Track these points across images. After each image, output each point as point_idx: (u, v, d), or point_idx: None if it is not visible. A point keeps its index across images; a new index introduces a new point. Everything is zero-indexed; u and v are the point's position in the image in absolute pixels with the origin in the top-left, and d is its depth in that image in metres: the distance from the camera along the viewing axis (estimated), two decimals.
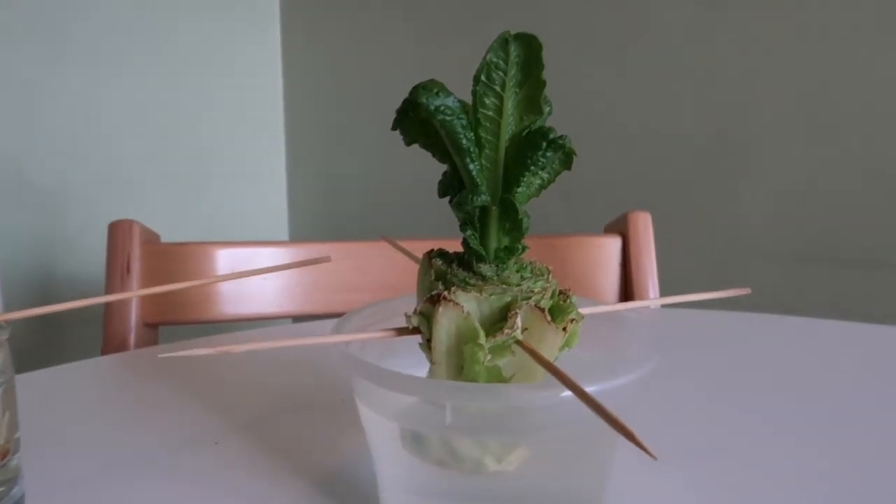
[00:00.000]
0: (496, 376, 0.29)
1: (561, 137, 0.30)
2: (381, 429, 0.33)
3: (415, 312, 0.31)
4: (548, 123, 0.32)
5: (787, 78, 1.10)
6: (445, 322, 0.29)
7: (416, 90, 0.29)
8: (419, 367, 0.32)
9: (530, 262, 0.33)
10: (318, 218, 1.81)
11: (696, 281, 1.19)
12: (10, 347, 0.35)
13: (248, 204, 1.75)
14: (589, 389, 0.26)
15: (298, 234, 1.81)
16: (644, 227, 0.84)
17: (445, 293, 0.30)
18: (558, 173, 0.32)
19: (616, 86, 1.28)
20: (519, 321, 0.29)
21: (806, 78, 1.08)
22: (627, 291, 0.83)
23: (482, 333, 0.29)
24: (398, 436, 0.32)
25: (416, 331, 0.31)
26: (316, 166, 1.79)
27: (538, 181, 0.31)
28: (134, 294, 0.61)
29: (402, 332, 0.32)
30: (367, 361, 0.30)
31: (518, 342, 0.30)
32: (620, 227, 0.85)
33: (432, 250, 0.34)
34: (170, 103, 1.56)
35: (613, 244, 0.84)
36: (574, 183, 1.28)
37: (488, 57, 0.29)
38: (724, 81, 1.16)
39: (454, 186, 0.32)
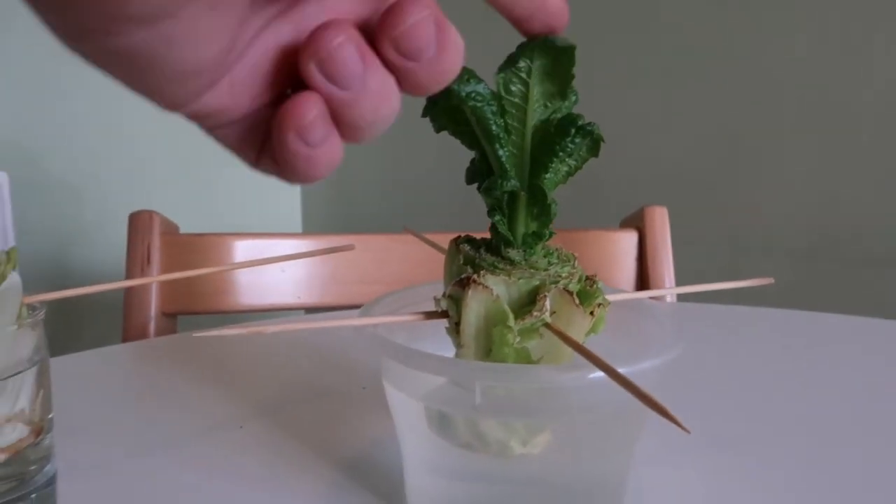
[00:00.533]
0: (525, 358, 0.30)
1: (589, 124, 0.31)
2: (408, 410, 0.33)
3: (444, 296, 0.31)
4: None
5: (802, 77, 1.10)
6: (475, 305, 0.30)
7: None
8: (445, 351, 0.32)
9: (556, 248, 0.34)
10: (331, 211, 1.82)
11: (711, 276, 1.19)
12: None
13: (263, 197, 1.76)
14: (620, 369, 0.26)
15: (311, 228, 1.82)
16: (661, 221, 0.84)
17: (475, 276, 0.30)
18: (585, 160, 0.32)
19: (633, 83, 1.28)
20: (548, 304, 0.30)
21: (821, 77, 1.08)
22: (643, 286, 0.83)
23: (511, 316, 0.30)
24: (424, 417, 0.32)
25: (444, 314, 0.32)
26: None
27: (565, 168, 0.32)
28: (154, 280, 0.62)
29: (430, 315, 0.32)
30: (396, 342, 0.30)
31: (546, 325, 0.30)
32: (637, 222, 0.85)
33: (459, 236, 0.34)
34: None
35: (630, 238, 0.84)
36: (591, 177, 1.28)
37: (518, 54, 0.29)
38: (740, 80, 1.16)
39: (482, 173, 0.32)
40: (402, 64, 0.22)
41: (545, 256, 0.32)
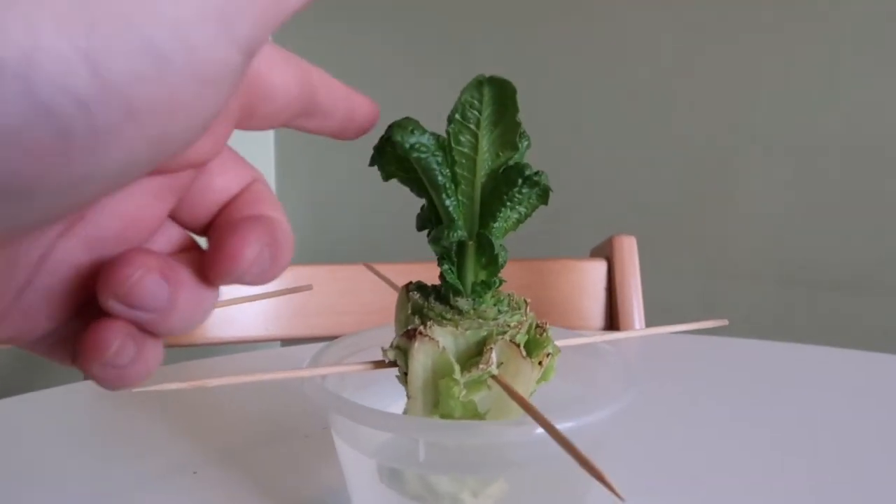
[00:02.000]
0: (471, 411, 0.30)
1: (537, 174, 0.31)
2: (357, 463, 0.33)
3: (392, 346, 0.31)
4: (531, 151, 0.32)
5: (770, 103, 1.11)
6: (421, 357, 0.30)
7: (391, 128, 0.29)
8: (400, 395, 0.32)
9: (508, 295, 0.33)
10: (306, 240, 1.81)
11: (681, 305, 1.20)
12: None
13: None
14: (563, 426, 0.26)
15: None
16: (629, 251, 0.84)
17: (421, 328, 0.30)
18: (535, 207, 0.32)
19: (601, 111, 1.29)
20: (494, 356, 0.30)
21: (789, 103, 1.10)
22: (613, 315, 0.83)
23: (458, 368, 0.29)
24: (375, 471, 0.32)
25: (392, 364, 0.31)
26: (304, 188, 1.79)
27: (515, 216, 0.32)
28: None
29: (378, 365, 0.32)
30: (342, 397, 0.30)
31: (493, 377, 0.30)
32: (605, 252, 0.85)
33: (410, 283, 0.34)
34: None
35: (599, 268, 0.84)
36: (560, 207, 1.29)
37: (463, 97, 0.29)
38: (708, 107, 1.17)
39: (431, 220, 0.32)
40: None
41: (495, 304, 0.32)
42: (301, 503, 0.40)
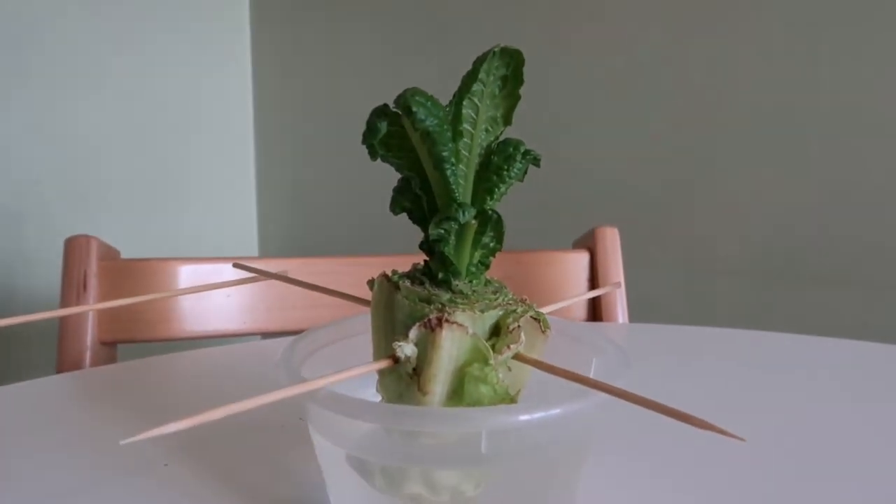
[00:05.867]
0: (505, 396, 0.28)
1: (531, 150, 0.30)
2: (339, 463, 0.31)
3: (406, 341, 0.28)
4: (518, 137, 0.31)
5: (751, 98, 1.12)
6: (448, 345, 0.28)
7: (404, 97, 0.28)
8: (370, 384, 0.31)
9: (488, 278, 0.32)
10: (289, 232, 1.79)
11: (665, 297, 1.20)
12: None
13: (217, 219, 1.72)
14: (568, 408, 0.25)
15: (269, 250, 1.79)
16: (612, 242, 0.84)
17: (445, 315, 0.28)
18: (510, 185, 0.31)
19: (585, 103, 1.28)
20: (523, 335, 0.28)
21: (770, 98, 1.10)
22: (595, 307, 0.83)
23: (492, 352, 0.28)
24: (357, 472, 0.30)
25: (394, 361, 0.29)
26: (287, 179, 1.77)
27: (502, 192, 0.31)
28: (82, 309, 0.59)
29: (383, 366, 0.29)
30: (338, 393, 0.28)
31: (519, 356, 0.29)
32: (588, 243, 0.85)
33: (385, 274, 0.32)
34: (135, 116, 1.53)
35: (581, 259, 0.84)
36: (543, 198, 1.29)
37: (476, 69, 0.28)
38: (690, 101, 1.17)
39: (415, 200, 0.31)
40: None
41: (486, 285, 0.31)
42: (276, 496, 0.39)
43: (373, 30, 1.58)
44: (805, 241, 1.08)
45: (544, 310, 0.36)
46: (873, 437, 0.48)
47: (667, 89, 1.19)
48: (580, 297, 0.38)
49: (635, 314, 0.83)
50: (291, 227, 1.78)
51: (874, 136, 1.02)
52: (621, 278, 0.83)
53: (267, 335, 0.84)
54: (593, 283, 0.83)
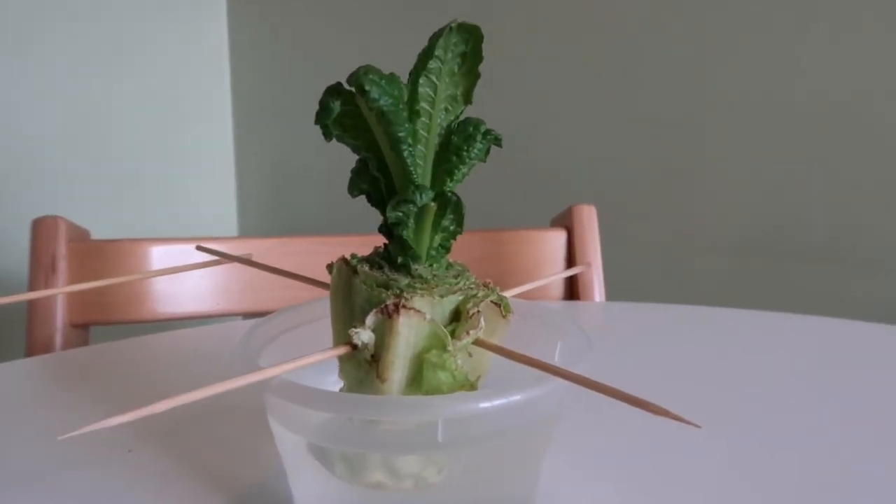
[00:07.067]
0: (464, 383, 0.27)
1: (491, 130, 0.29)
2: (299, 451, 0.31)
3: (364, 327, 0.28)
4: (491, 118, 0.30)
5: (735, 72, 1.11)
6: (405, 331, 0.27)
7: (357, 75, 0.27)
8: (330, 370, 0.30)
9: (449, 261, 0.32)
10: (267, 212, 1.77)
11: (642, 274, 1.20)
12: None
13: (197, 199, 1.70)
14: (528, 394, 0.24)
15: (248, 228, 1.77)
16: (588, 220, 0.83)
17: (402, 301, 0.27)
18: (472, 166, 0.30)
19: (564, 79, 1.27)
20: (483, 320, 0.28)
21: (755, 72, 1.09)
22: (572, 286, 0.82)
23: (450, 339, 0.27)
24: (315, 457, 0.30)
25: (352, 348, 0.29)
26: (266, 156, 1.75)
27: (465, 173, 0.30)
28: (51, 292, 0.58)
29: (341, 353, 0.29)
30: (292, 381, 0.27)
31: (479, 341, 0.28)
32: (565, 221, 0.84)
33: (344, 258, 0.31)
34: (107, 93, 1.51)
35: (558, 238, 0.83)
36: (521, 177, 1.28)
37: (432, 46, 0.27)
38: (673, 75, 1.16)
39: (373, 183, 0.30)
40: None
41: (447, 269, 0.30)
42: (240, 480, 0.38)
43: (351, 6, 1.55)
44: (784, 219, 1.08)
45: (514, 291, 0.36)
46: (853, 415, 0.48)
47: (647, 66, 1.18)
48: (550, 277, 0.37)
49: (614, 293, 0.83)
50: (271, 207, 1.76)
51: (853, 115, 1.02)
52: (598, 257, 0.82)
53: (247, 316, 0.83)
54: (570, 261, 0.83)
